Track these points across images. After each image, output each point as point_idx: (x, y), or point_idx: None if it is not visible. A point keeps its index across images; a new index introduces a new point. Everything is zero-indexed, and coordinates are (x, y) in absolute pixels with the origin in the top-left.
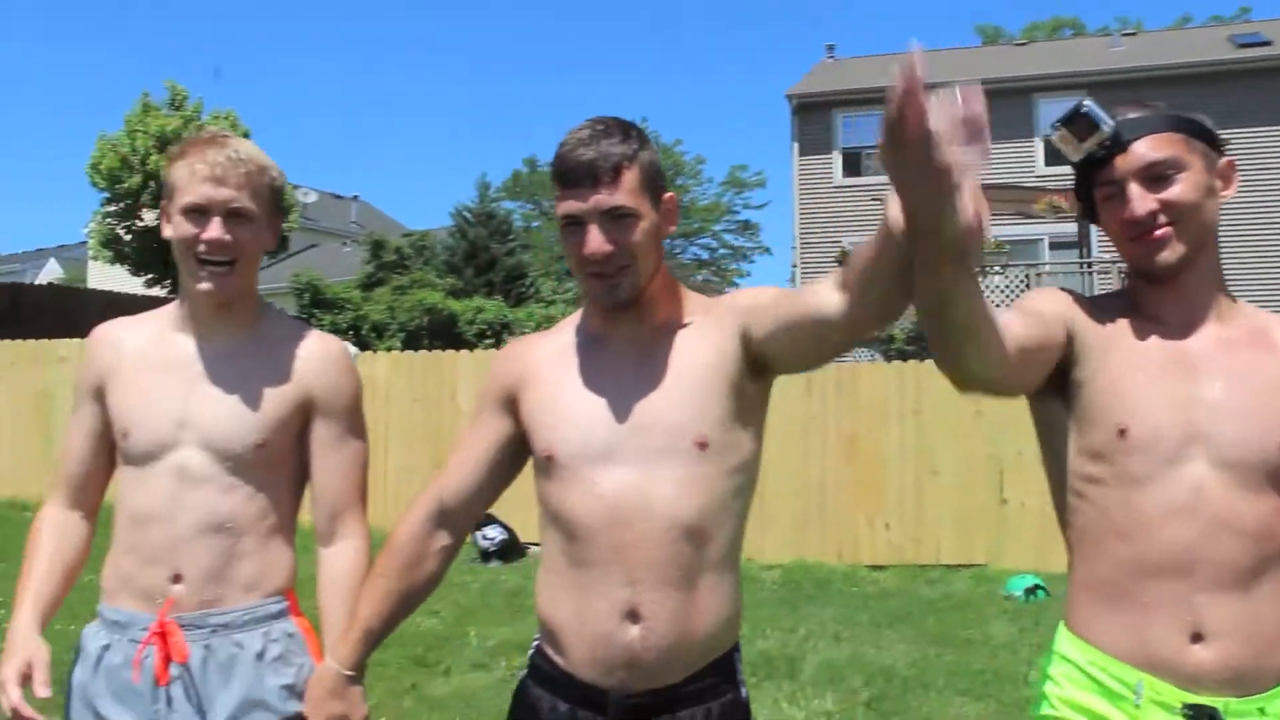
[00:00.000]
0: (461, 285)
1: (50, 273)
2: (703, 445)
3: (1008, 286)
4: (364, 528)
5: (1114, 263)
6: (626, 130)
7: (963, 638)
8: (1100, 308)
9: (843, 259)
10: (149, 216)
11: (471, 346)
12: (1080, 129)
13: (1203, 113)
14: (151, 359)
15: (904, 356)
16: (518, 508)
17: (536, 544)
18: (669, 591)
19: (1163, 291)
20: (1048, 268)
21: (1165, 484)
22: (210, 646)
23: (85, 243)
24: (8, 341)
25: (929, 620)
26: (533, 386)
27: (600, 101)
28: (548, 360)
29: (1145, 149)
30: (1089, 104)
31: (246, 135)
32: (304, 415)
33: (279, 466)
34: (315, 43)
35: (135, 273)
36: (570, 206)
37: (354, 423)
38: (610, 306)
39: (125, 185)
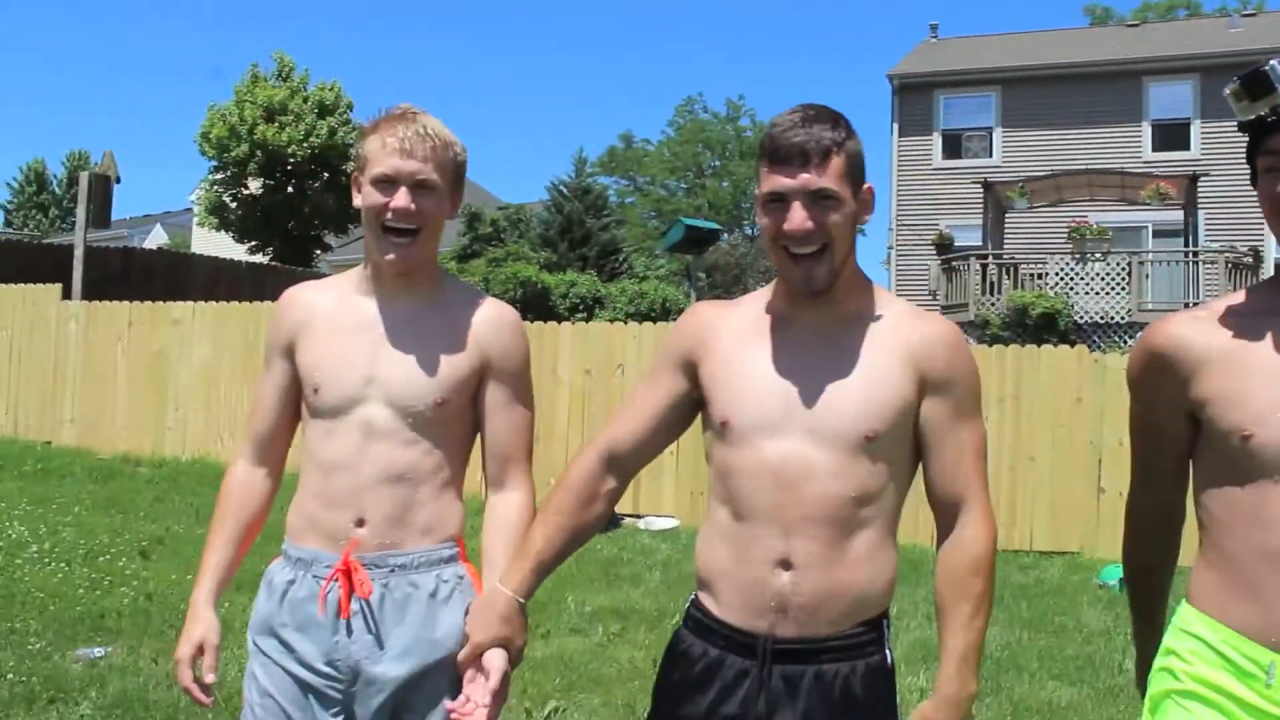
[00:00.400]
0: (555, 259)
1: (156, 238)
2: (870, 439)
3: (1109, 274)
4: (530, 481)
5: (1220, 253)
6: (836, 119)
7: (1055, 623)
8: (1226, 315)
9: (940, 243)
10: (254, 185)
11: (564, 320)
12: (1256, 88)
13: None
14: (339, 321)
15: (1004, 342)
16: None
17: (633, 515)
18: (822, 546)
19: None
20: (1151, 256)
21: None
22: (388, 585)
23: (190, 209)
24: (125, 303)
25: (1021, 605)
26: (715, 354)
27: (696, 78)
28: (732, 330)
29: None
30: (1275, 62)
31: (350, 107)
32: (479, 377)
33: (454, 424)
34: (416, 15)
35: (239, 239)
36: (777, 183)
37: (523, 386)
38: (805, 291)
39: (233, 154)
